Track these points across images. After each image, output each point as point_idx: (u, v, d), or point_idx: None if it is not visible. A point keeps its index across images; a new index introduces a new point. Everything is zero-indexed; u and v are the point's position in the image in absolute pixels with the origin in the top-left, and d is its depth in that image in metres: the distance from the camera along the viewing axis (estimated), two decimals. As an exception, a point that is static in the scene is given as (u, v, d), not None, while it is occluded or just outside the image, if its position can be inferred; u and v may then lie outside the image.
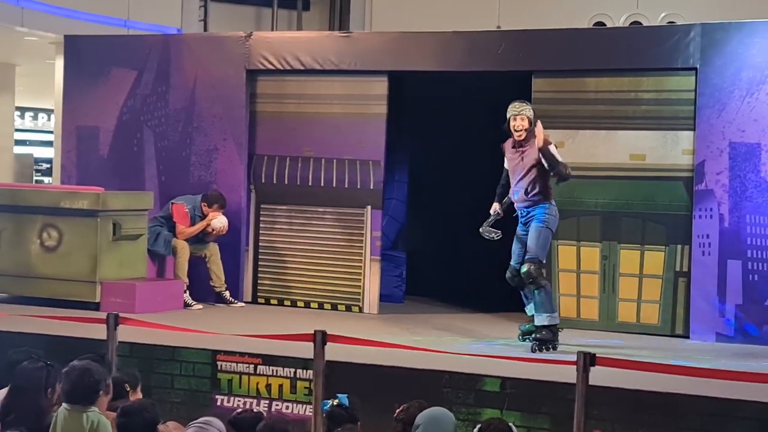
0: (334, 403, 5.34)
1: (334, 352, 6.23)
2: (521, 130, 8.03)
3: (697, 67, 8.79)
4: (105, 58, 10.73)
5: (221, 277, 9.83)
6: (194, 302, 9.62)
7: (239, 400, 7.23)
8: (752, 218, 8.61)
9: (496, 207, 8.42)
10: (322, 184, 9.98)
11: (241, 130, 10.15)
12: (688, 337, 8.76)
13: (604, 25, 12.98)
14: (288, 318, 9.27)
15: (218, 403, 7.30)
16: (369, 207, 9.83)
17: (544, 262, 8.13)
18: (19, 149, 21.76)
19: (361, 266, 9.82)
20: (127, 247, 9.40)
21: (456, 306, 10.29)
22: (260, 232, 10.23)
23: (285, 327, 8.07)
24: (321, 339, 6.03)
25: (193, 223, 9.76)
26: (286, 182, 10.11)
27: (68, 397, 4.81)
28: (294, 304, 10.03)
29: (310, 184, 10.02)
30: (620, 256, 9.08)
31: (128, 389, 5.59)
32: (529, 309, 8.17)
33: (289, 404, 7.14)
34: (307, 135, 10.06)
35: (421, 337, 8.38)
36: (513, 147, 8.16)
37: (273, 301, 10.12)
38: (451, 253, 11.12)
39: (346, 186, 9.90)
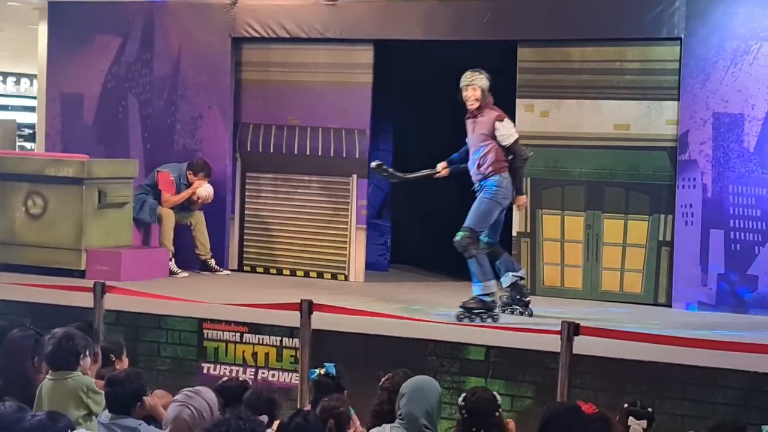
0: (321, 372, 5.38)
1: (320, 320, 6.29)
2: (472, 100, 7.99)
3: (682, 37, 8.81)
4: (89, 24, 10.69)
5: (206, 245, 9.85)
6: (180, 270, 9.64)
7: (225, 368, 7.28)
8: (735, 188, 8.67)
9: (440, 165, 8.43)
10: (307, 153, 9.99)
11: (226, 98, 10.14)
12: (670, 306, 8.84)
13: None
14: (274, 286, 9.30)
15: (204, 371, 7.35)
16: (354, 176, 9.85)
17: (479, 232, 8.00)
18: (1, 114, 21.67)
19: (346, 235, 9.86)
20: (113, 215, 9.41)
21: (441, 274, 10.34)
22: (246, 200, 10.24)
23: (271, 295, 8.10)
24: (307, 308, 6.09)
25: (178, 191, 9.76)
26: (271, 151, 10.12)
27: (50, 362, 4.88)
28: (280, 272, 10.06)
29: (295, 152, 10.03)
30: (604, 225, 9.13)
31: (113, 359, 5.62)
32: (504, 280, 8.13)
33: (276, 372, 7.19)
34: (292, 103, 10.05)
35: (407, 305, 8.43)
36: (467, 117, 8.12)
37: (259, 270, 10.15)
38: (435, 221, 11.14)
39: (332, 155, 9.91)
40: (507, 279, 8.14)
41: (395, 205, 11.08)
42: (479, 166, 8.00)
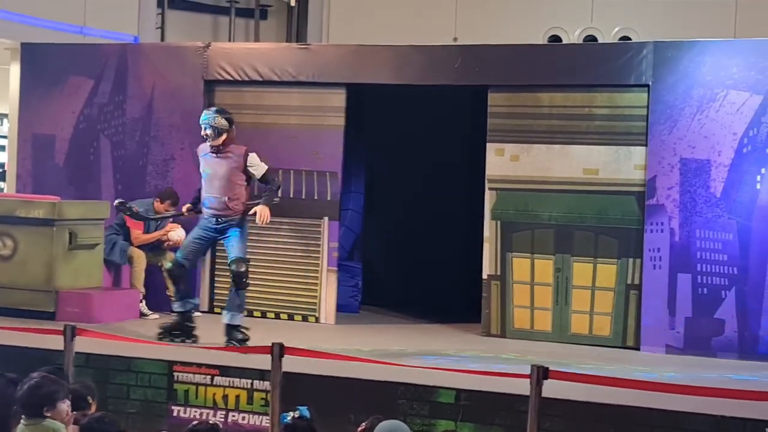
0: (296, 416, 5.38)
1: (291, 363, 6.30)
2: (213, 139, 8.29)
3: (650, 84, 8.95)
4: (62, 66, 10.72)
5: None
6: (150, 312, 9.62)
7: (196, 411, 7.25)
8: (702, 233, 8.78)
9: (185, 207, 8.75)
10: (279, 195, 10.01)
11: (198, 139, 10.14)
12: (638, 349, 8.91)
13: (559, 38, 13.15)
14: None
15: (174, 414, 7.32)
16: (326, 218, 9.89)
17: None
18: (-29, 154, 21.52)
19: (317, 277, 9.88)
20: (84, 257, 9.39)
21: (411, 317, 10.38)
22: (217, 242, 10.22)
23: (241, 338, 8.10)
24: (278, 351, 6.10)
25: (147, 227, 9.74)
26: (243, 192, 10.12)
27: (23, 410, 4.83)
28: (251, 314, 10.03)
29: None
30: (573, 268, 9.21)
31: (91, 401, 5.60)
32: (180, 305, 8.51)
33: (246, 415, 7.17)
34: (264, 146, 10.02)
35: (377, 348, 8.45)
36: (212, 152, 8.35)
37: (229, 311, 10.11)
38: (406, 263, 11.22)
39: (304, 197, 9.95)
40: (182, 305, 8.54)
41: (366, 246, 11.12)
42: (230, 199, 8.29)
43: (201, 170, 8.48)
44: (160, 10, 16.22)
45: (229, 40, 15.90)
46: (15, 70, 13.71)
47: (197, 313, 9.82)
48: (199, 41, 10.70)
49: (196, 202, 8.62)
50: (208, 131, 8.30)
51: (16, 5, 14.11)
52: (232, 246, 8.34)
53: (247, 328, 8.31)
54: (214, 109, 8.57)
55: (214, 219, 8.36)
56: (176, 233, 9.74)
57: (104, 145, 10.49)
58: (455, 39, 13.38)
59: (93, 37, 14.48)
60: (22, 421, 4.79)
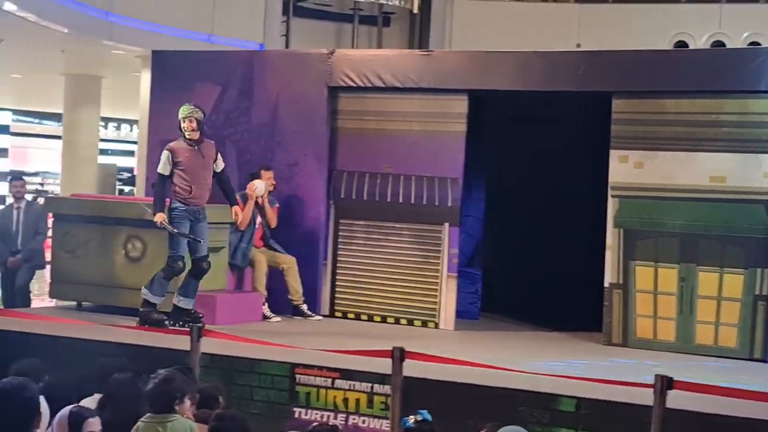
0: (417, 419, 5.37)
1: (411, 368, 6.33)
2: (191, 131, 8.75)
3: (781, 90, 8.73)
4: (190, 73, 10.95)
5: (299, 290, 9.95)
6: (272, 314, 9.76)
7: (317, 414, 7.34)
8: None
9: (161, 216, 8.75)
10: (400, 201, 10.08)
11: (321, 145, 10.30)
12: (766, 361, 8.68)
13: (686, 44, 12.94)
14: (365, 332, 9.37)
15: (296, 416, 7.41)
16: (446, 224, 9.90)
17: None
18: (102, 158, 22.23)
19: (437, 282, 9.89)
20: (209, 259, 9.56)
21: (532, 324, 10.31)
22: (339, 246, 10.35)
23: (362, 342, 8.17)
24: (399, 355, 6.14)
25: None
26: (365, 198, 10.23)
27: (152, 405, 4.93)
28: (371, 318, 10.13)
29: (388, 200, 10.12)
30: (698, 278, 9.03)
31: (221, 401, 5.72)
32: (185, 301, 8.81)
33: (366, 419, 7.22)
34: (386, 151, 10.17)
35: (497, 354, 8.42)
36: (191, 146, 8.76)
37: (350, 315, 10.22)
38: (526, 270, 11.14)
39: (424, 203, 9.98)
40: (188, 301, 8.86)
41: (486, 253, 11.09)
42: (208, 194, 8.87)
43: (179, 165, 8.72)
44: (285, 18, 16.52)
45: (353, 47, 16.09)
46: (146, 78, 14.14)
47: (318, 317, 9.99)
48: (323, 48, 10.82)
49: (162, 202, 8.81)
50: (193, 124, 8.75)
51: (148, 15, 14.54)
52: (203, 242, 8.78)
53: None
54: (191, 103, 9.05)
55: (198, 209, 8.80)
56: (257, 186, 9.82)
57: (230, 150, 10.68)
58: (578, 45, 13.28)
59: (220, 44, 14.83)
60: (147, 415, 4.89)
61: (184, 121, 8.79)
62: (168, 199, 8.78)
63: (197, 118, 8.80)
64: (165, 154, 8.82)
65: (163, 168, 8.80)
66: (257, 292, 9.84)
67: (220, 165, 8.95)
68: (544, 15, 14.47)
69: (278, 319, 9.75)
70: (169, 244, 8.76)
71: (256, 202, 9.87)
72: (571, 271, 10.76)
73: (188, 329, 7.95)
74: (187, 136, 8.78)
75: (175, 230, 8.66)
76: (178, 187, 8.77)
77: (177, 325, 8.67)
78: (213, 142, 9.01)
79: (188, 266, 8.83)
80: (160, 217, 8.68)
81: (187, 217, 8.77)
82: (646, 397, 5.64)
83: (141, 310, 8.81)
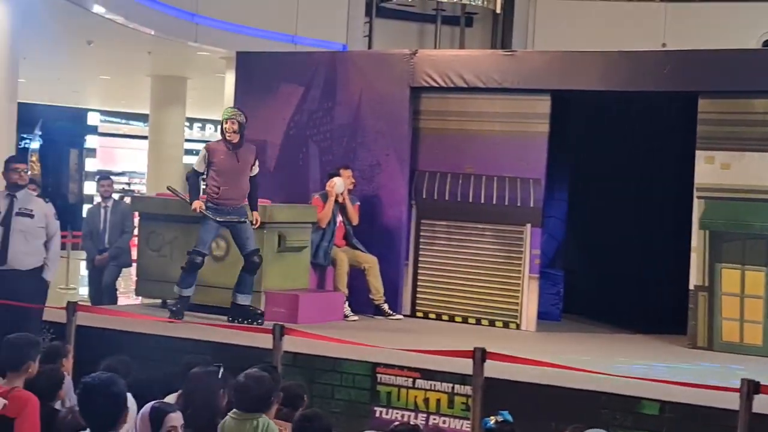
0: (498, 420, 5.35)
1: (492, 368, 6.32)
2: (232, 132, 8.82)
3: None
4: (274, 74, 11.06)
5: (380, 289, 9.97)
6: (352, 314, 9.80)
7: (397, 413, 7.35)
8: None
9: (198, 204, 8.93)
10: (482, 201, 10.05)
11: (403, 146, 10.32)
12: None
13: (774, 43, 12.70)
14: (446, 333, 9.37)
15: (377, 415, 7.44)
16: (528, 224, 9.85)
17: None
18: (187, 158, 22.52)
19: (519, 283, 9.85)
20: (291, 259, 9.66)
21: (614, 326, 10.21)
22: (420, 247, 10.36)
23: (443, 342, 8.17)
24: (480, 356, 6.13)
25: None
26: (446, 198, 10.22)
27: (240, 404, 4.97)
28: (452, 318, 10.12)
29: (470, 200, 10.10)
30: (787, 281, 8.85)
31: (305, 400, 5.76)
32: (189, 291, 8.92)
33: (447, 419, 7.21)
34: (468, 152, 10.15)
35: (579, 356, 8.36)
36: (228, 149, 8.84)
37: (431, 316, 10.23)
38: (609, 271, 11.03)
39: (506, 203, 9.94)
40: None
41: (568, 254, 11.01)
42: (244, 193, 8.90)
43: (213, 165, 8.87)
44: (368, 19, 16.58)
45: (435, 47, 16.08)
46: (230, 78, 14.31)
47: (399, 316, 10.01)
48: (405, 49, 10.84)
49: (197, 193, 9.06)
50: (235, 126, 8.82)
51: (233, 16, 14.71)
52: (248, 238, 8.89)
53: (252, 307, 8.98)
54: (233, 107, 9.22)
55: (228, 209, 8.86)
56: (336, 184, 9.88)
57: (313, 150, 10.77)
58: (664, 44, 13.11)
59: (304, 45, 14.94)
60: (231, 414, 4.94)
61: (226, 122, 8.90)
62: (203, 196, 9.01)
63: (239, 121, 8.87)
64: (202, 152, 9.05)
65: (198, 165, 9.04)
66: (339, 291, 9.89)
67: (255, 170, 9.00)
68: (629, 14, 14.32)
69: (356, 318, 9.78)
70: (198, 238, 8.94)
71: (337, 200, 9.92)
72: (655, 273, 10.64)
73: (254, 326, 8.18)
74: (227, 138, 8.88)
75: (212, 216, 8.85)
76: (209, 186, 8.95)
77: (237, 321, 8.81)
78: (254, 147, 9.07)
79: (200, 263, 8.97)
80: (197, 204, 8.89)
81: (216, 215, 8.87)
82: (731, 402, 5.56)
83: (170, 302, 9.11)
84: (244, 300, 8.99)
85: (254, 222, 9.04)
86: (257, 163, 9.02)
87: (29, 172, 8.65)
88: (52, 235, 8.33)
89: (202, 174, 9.02)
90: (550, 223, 10.68)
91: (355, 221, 10.08)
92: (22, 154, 7.58)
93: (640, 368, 7.99)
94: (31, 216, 8.24)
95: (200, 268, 8.92)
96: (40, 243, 8.25)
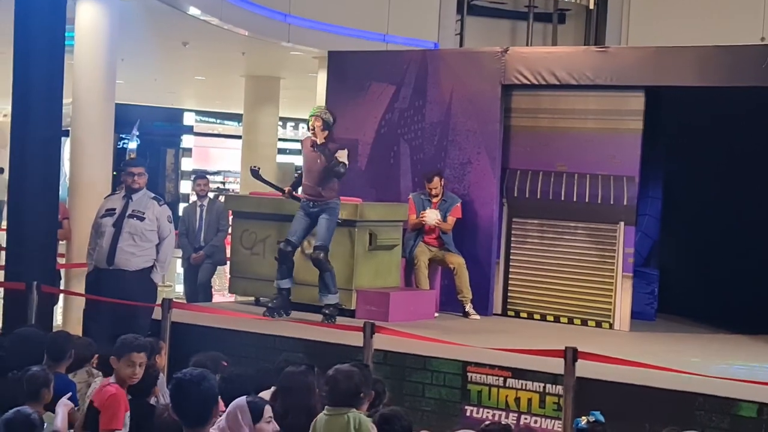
0: (590, 420, 5.29)
1: (584, 368, 6.26)
2: (318, 131, 8.82)
3: None
4: (365, 72, 11.10)
5: (463, 289, 9.88)
6: (474, 312, 9.84)
7: (488, 412, 7.33)
8: None
9: (288, 190, 9.23)
10: (574, 199, 9.96)
11: (494, 144, 10.27)
12: None
13: None
14: (537, 332, 9.31)
15: (467, 414, 7.42)
16: (622, 223, 9.73)
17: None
18: (280, 158, 22.74)
19: (612, 282, 9.73)
20: (382, 257, 9.68)
21: (710, 326, 10.03)
22: (511, 245, 10.31)
23: (535, 341, 8.12)
24: (572, 355, 6.09)
25: (421, 209, 9.99)
26: (538, 196, 10.15)
27: (330, 399, 5.00)
28: (543, 317, 10.05)
29: (562, 198, 10.02)
30: None
31: (386, 396, 5.77)
32: (284, 282, 8.99)
33: (538, 419, 7.17)
34: (560, 150, 10.06)
35: (674, 356, 8.22)
36: (311, 146, 8.89)
37: (522, 314, 10.17)
38: (705, 270, 10.83)
39: (599, 201, 9.83)
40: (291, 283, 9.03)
41: (663, 253, 10.84)
42: (323, 188, 8.88)
43: (304, 156, 9.05)
44: (460, 17, 16.53)
45: (527, 45, 15.98)
46: (322, 78, 14.39)
47: (477, 317, 9.94)
48: (497, 46, 10.79)
49: (296, 186, 9.25)
50: (318, 123, 8.82)
51: (325, 15, 14.80)
52: (318, 233, 8.89)
53: (338, 304, 8.98)
54: (322, 105, 9.29)
55: (310, 203, 8.91)
56: (430, 216, 9.88)
57: (404, 149, 10.79)
58: (762, 39, 12.82)
59: (395, 44, 14.96)
60: (324, 412, 4.97)
61: (310, 119, 8.96)
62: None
63: (324, 118, 8.88)
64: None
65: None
66: (430, 290, 9.88)
67: (342, 159, 8.86)
68: (726, 8, 14.04)
69: (478, 317, 9.81)
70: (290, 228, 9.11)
71: (423, 204, 10.02)
72: (752, 272, 10.40)
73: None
74: (311, 135, 8.96)
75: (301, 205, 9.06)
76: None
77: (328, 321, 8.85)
78: (337, 145, 8.95)
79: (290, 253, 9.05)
80: (285, 189, 9.24)
81: (304, 206, 9.00)
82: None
83: (264, 299, 9.27)
84: (325, 300, 9.00)
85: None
86: (340, 156, 8.85)
87: (146, 176, 8.80)
88: (164, 237, 8.51)
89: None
90: (644, 222, 10.53)
91: (449, 230, 10.05)
92: (140, 158, 7.74)
93: (736, 369, 7.84)
94: (142, 218, 8.42)
95: (291, 256, 8.97)
96: (149, 245, 8.43)
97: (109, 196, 9.07)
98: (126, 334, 5.72)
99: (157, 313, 7.99)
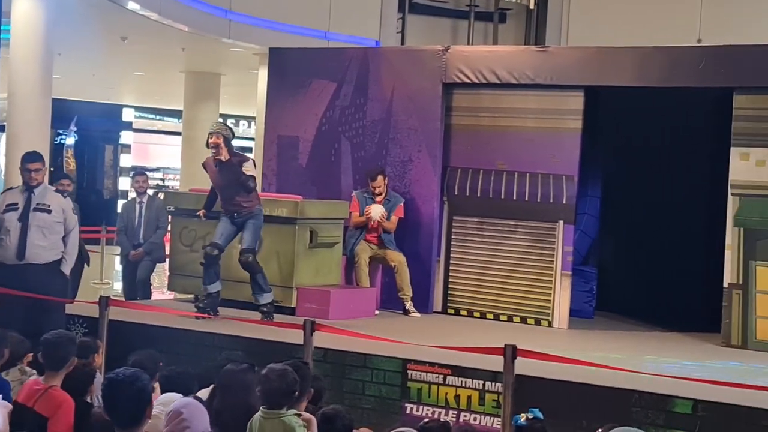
0: (529, 417, 5.31)
1: (523, 365, 6.29)
2: (216, 147, 8.80)
3: None
4: (306, 69, 11.06)
5: (403, 287, 9.91)
6: (415, 310, 9.86)
7: (428, 409, 7.33)
8: None
9: (203, 213, 9.21)
10: (514, 198, 10.02)
11: (435, 142, 10.30)
12: None
13: (812, 38, 12.54)
14: (477, 330, 9.34)
15: (407, 411, 7.43)
16: (561, 221, 9.80)
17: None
18: (221, 155, 22.45)
19: (551, 280, 9.80)
20: (323, 255, 9.67)
21: (647, 323, 10.14)
22: (452, 243, 10.34)
23: (474, 339, 8.15)
24: (511, 353, 6.11)
25: (364, 207, 10.00)
26: (478, 195, 10.20)
27: (264, 399, 4.95)
28: (483, 315, 10.09)
29: (502, 197, 10.07)
30: (823, 279, 8.76)
31: (325, 397, 5.74)
32: (213, 287, 8.93)
33: (477, 416, 7.19)
34: (500, 148, 10.11)
35: (611, 354, 8.31)
36: (215, 165, 8.91)
37: (463, 312, 10.21)
38: (642, 269, 10.96)
39: (539, 200, 9.90)
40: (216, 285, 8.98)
41: (602, 251, 10.95)
42: (244, 202, 8.85)
43: (210, 178, 9.05)
44: (401, 15, 16.54)
45: (468, 44, 16.04)
46: (263, 74, 14.32)
47: (417, 314, 9.96)
48: (438, 45, 10.82)
49: (209, 206, 9.21)
50: (220, 140, 8.78)
51: (266, 12, 14.73)
52: (244, 237, 8.90)
53: (275, 301, 9.03)
54: (219, 120, 9.01)
55: (234, 214, 8.93)
56: (375, 210, 9.89)
57: (345, 146, 10.77)
58: (699, 40, 13.00)
59: (337, 41, 14.93)
60: (260, 412, 4.93)
61: (210, 137, 8.85)
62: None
63: (225, 135, 8.85)
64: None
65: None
66: (371, 288, 9.88)
67: (248, 173, 8.82)
68: (664, 10, 14.21)
69: (418, 315, 9.83)
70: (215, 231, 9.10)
71: (366, 202, 9.98)
72: (689, 271, 10.55)
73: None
74: (212, 153, 8.90)
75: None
76: None
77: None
78: (246, 157, 9.01)
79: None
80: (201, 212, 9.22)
81: (227, 216, 8.98)
82: (765, 401, 5.50)
83: (198, 301, 9.13)
84: (261, 300, 8.98)
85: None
86: (246, 170, 8.80)
87: (45, 169, 8.52)
88: (70, 229, 8.33)
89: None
90: (583, 220, 10.63)
91: (393, 230, 10.05)
92: (36, 151, 7.51)
93: (672, 366, 7.94)
94: (49, 211, 8.25)
95: (218, 260, 8.93)
96: (57, 238, 8.26)
97: (7, 190, 8.83)
98: (41, 328, 5.63)
99: (94, 311, 7.88)
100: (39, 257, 8.20)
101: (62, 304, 8.23)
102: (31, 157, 8.31)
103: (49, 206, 8.25)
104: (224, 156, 8.83)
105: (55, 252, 8.27)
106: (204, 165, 9.13)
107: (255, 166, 9.01)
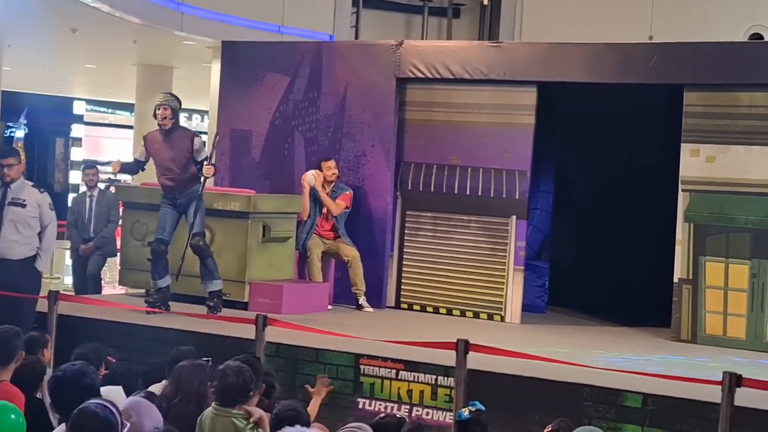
0: (472, 410, 5.26)
1: (475, 360, 6.31)
2: (165, 119, 8.77)
3: None
4: (260, 63, 11.01)
5: (356, 282, 9.92)
6: (368, 305, 9.86)
7: (380, 404, 7.34)
8: None
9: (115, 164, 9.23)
10: (467, 193, 10.04)
11: (389, 137, 10.29)
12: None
13: (761, 36, 12.67)
14: (430, 324, 9.36)
15: (360, 406, 7.43)
16: (514, 217, 9.84)
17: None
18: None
19: (504, 275, 9.84)
20: (276, 249, 9.64)
21: (599, 318, 10.22)
22: (405, 238, 10.35)
23: (427, 333, 8.16)
24: (463, 348, 6.13)
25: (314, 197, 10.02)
26: (432, 190, 10.21)
27: (218, 396, 4.92)
28: (436, 310, 10.11)
29: (455, 192, 10.09)
30: (771, 274, 8.86)
31: (277, 389, 5.72)
32: (163, 281, 8.86)
33: (430, 410, 7.21)
34: (454, 143, 10.13)
35: (563, 348, 8.36)
36: (163, 138, 8.81)
37: (416, 307, 10.22)
38: (594, 264, 11.04)
39: (492, 195, 9.93)
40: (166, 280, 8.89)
41: (554, 246, 11.01)
42: (182, 176, 8.73)
43: (152, 154, 8.89)
44: (355, 9, 16.50)
45: (422, 39, 16.04)
46: (216, 68, 14.23)
47: (370, 309, 9.95)
48: (392, 39, 10.82)
49: (129, 169, 9.27)
50: (168, 112, 8.76)
51: (219, 5, 14.63)
52: (193, 221, 8.77)
53: (224, 294, 8.97)
54: (167, 92, 9.21)
55: (174, 195, 8.81)
56: (309, 177, 9.94)
57: (298, 140, 10.74)
58: (651, 37, 13.10)
59: (290, 35, 14.87)
60: (212, 407, 4.89)
61: (158, 109, 8.83)
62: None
63: (172, 106, 8.81)
64: (141, 141, 9.13)
65: (138, 153, 9.16)
66: (324, 283, 9.87)
67: (200, 156, 8.78)
68: (616, 7, 14.30)
69: (371, 309, 9.84)
70: (157, 225, 9.01)
71: (314, 193, 9.92)
72: (640, 266, 10.65)
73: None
74: (160, 124, 8.85)
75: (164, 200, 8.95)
76: (156, 176, 9.02)
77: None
78: (191, 132, 9.03)
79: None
80: (113, 165, 9.27)
81: (167, 201, 8.87)
82: (714, 395, 5.56)
83: (149, 293, 9.10)
84: (210, 287, 8.93)
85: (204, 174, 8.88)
86: (197, 146, 8.80)
87: (20, 165, 8.41)
88: (46, 225, 8.25)
89: (143, 162, 9.05)
90: (535, 216, 10.68)
91: (335, 212, 10.02)
92: (11, 147, 7.35)
93: (622, 361, 7.99)
94: (23, 205, 8.16)
95: (165, 254, 8.85)
96: (32, 233, 8.18)
97: None
98: (10, 325, 5.57)
99: (43, 306, 7.79)
100: (12, 252, 8.11)
101: (34, 302, 8.12)
102: (3, 153, 8.24)
103: (24, 200, 8.16)
104: (170, 126, 8.78)
105: (30, 248, 8.18)
106: (145, 138, 9.04)
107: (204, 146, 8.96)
